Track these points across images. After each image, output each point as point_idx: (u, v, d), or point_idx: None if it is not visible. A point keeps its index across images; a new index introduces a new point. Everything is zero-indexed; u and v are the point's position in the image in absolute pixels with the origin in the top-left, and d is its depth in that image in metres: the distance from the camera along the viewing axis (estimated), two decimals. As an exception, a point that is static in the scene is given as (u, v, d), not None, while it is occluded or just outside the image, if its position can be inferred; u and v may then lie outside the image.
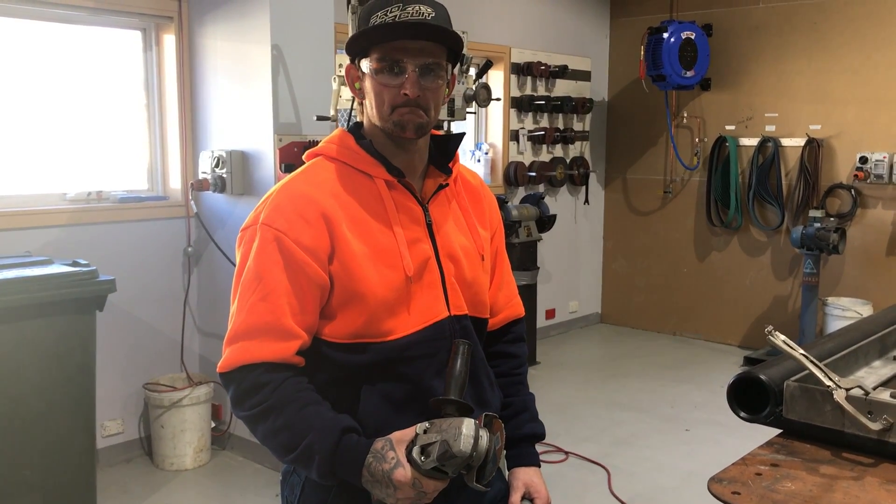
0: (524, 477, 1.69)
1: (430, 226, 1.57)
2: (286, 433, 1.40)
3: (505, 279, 1.76)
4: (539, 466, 1.74)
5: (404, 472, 1.30)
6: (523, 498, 1.68)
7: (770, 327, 1.69)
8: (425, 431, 1.28)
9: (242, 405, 1.44)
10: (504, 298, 1.76)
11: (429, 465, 1.24)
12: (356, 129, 1.61)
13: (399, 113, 1.48)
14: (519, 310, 1.80)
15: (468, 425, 1.22)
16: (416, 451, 1.27)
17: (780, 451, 1.59)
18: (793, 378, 1.64)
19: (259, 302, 1.43)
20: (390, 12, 1.45)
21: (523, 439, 1.72)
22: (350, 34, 3.57)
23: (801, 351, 1.64)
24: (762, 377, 1.66)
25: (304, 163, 1.62)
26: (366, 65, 1.50)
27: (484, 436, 1.22)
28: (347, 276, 1.45)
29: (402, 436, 1.35)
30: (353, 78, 1.56)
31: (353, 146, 1.56)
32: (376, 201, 1.52)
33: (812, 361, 1.61)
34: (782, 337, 1.65)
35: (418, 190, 1.58)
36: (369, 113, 1.54)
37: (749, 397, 1.69)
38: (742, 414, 1.68)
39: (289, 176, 1.57)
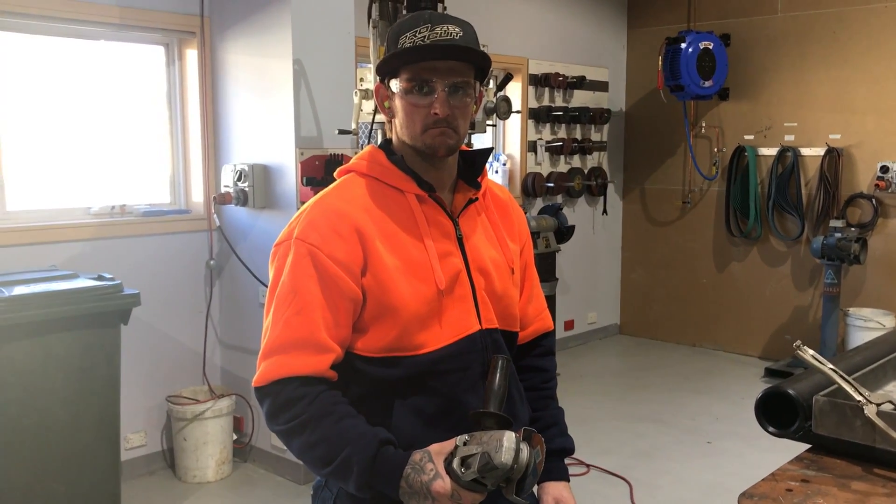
0: (554, 492, 1.70)
1: (460, 239, 1.58)
2: (323, 446, 1.41)
3: (534, 292, 1.77)
4: (568, 481, 1.74)
5: (443, 484, 1.31)
6: None
7: (798, 342, 1.69)
8: (465, 444, 1.28)
9: (278, 419, 1.45)
10: (533, 311, 1.77)
11: (469, 476, 1.24)
12: (386, 146, 1.62)
13: (430, 135, 1.51)
14: (548, 323, 1.81)
15: (509, 438, 1.23)
16: (456, 463, 1.27)
17: (811, 467, 1.59)
18: (822, 393, 1.63)
19: (294, 316, 1.45)
20: (419, 33, 1.47)
21: (552, 454, 1.71)
22: (371, 48, 3.61)
23: (830, 365, 1.63)
24: (791, 392, 1.65)
25: (334, 179, 1.64)
26: (395, 84, 1.52)
27: (524, 449, 1.23)
28: (380, 290, 1.47)
29: (440, 448, 1.35)
30: (382, 97, 1.57)
31: (384, 162, 1.57)
32: (407, 216, 1.54)
33: (841, 376, 1.61)
34: (811, 352, 1.65)
35: (448, 204, 1.60)
36: (399, 132, 1.56)
37: (777, 411, 1.68)
38: (770, 429, 1.68)
39: (321, 192, 1.59)
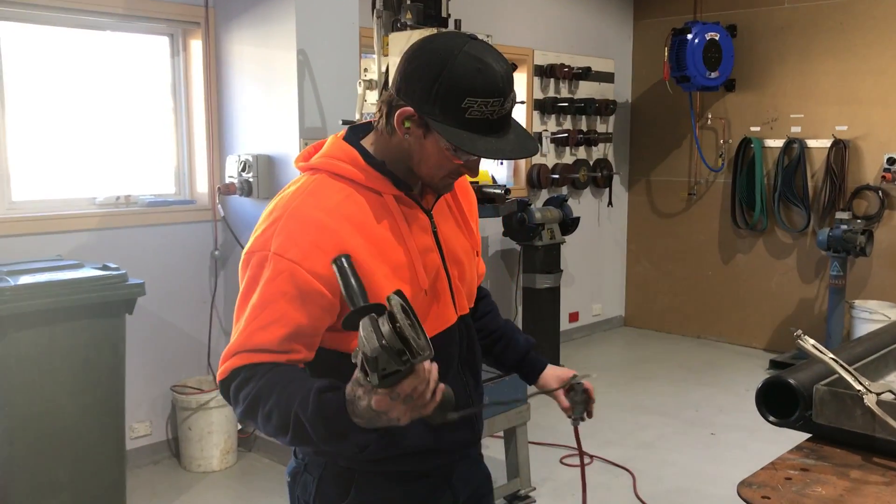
0: (549, 377, 1.85)
1: (435, 233, 1.60)
2: (276, 415, 1.39)
3: (479, 258, 1.82)
4: (548, 363, 1.89)
5: (378, 397, 1.27)
6: (567, 389, 1.80)
7: (799, 331, 1.69)
8: (356, 353, 1.27)
9: (238, 400, 1.44)
10: (482, 269, 1.84)
11: (374, 380, 1.24)
12: (355, 140, 1.57)
13: (445, 184, 1.56)
14: (482, 269, 1.87)
15: (363, 325, 1.22)
16: (360, 378, 1.27)
17: (810, 456, 1.59)
18: (822, 382, 1.64)
19: (259, 330, 1.44)
20: (489, 105, 1.42)
21: (527, 353, 1.88)
22: (375, 38, 3.60)
23: (831, 355, 1.63)
24: (791, 381, 1.66)
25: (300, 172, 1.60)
26: (437, 133, 1.45)
27: (384, 323, 1.21)
28: (371, 297, 1.45)
29: (356, 373, 1.31)
30: (405, 116, 1.47)
31: (360, 164, 1.53)
32: (388, 217, 1.52)
33: (842, 366, 1.61)
34: (811, 341, 1.65)
35: (422, 199, 1.60)
36: (414, 162, 1.52)
37: (778, 401, 1.69)
38: (771, 418, 1.68)
39: (293, 195, 1.52)
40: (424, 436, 1.54)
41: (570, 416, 1.79)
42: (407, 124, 1.47)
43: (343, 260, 1.34)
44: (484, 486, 1.80)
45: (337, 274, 1.33)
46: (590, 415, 1.80)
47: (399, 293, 1.25)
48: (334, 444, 1.38)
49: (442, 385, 1.32)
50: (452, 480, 1.67)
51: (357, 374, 1.28)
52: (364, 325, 1.22)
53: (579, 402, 1.78)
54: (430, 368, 1.30)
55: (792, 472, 1.51)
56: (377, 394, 1.26)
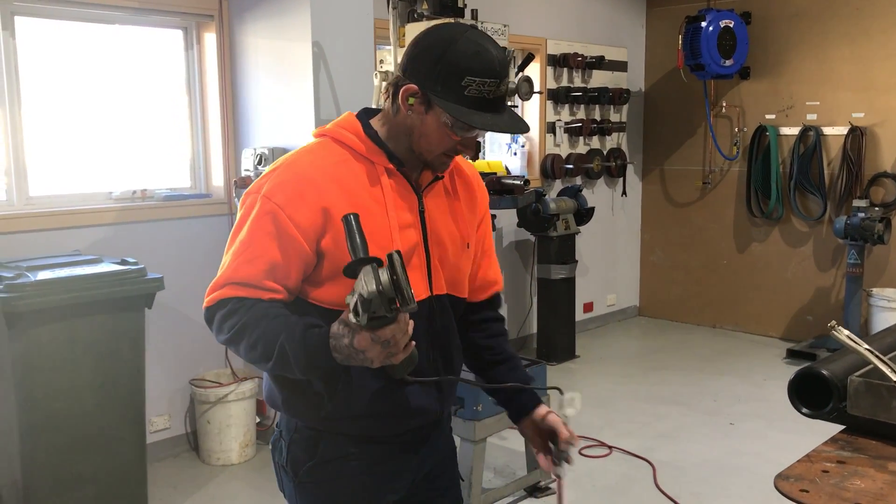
0: (539, 416, 1.87)
1: (422, 213, 1.69)
2: (262, 344, 1.54)
3: (493, 259, 1.94)
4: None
5: (360, 336, 1.42)
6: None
7: (833, 322, 1.67)
8: (351, 296, 1.41)
9: (222, 329, 1.59)
10: (493, 275, 1.93)
11: (363, 320, 1.38)
12: (365, 117, 1.71)
13: (441, 161, 1.67)
14: (500, 282, 1.96)
15: (365, 272, 1.37)
16: (351, 316, 1.41)
17: (846, 448, 1.57)
18: (857, 373, 1.62)
19: (245, 263, 1.59)
20: (486, 84, 1.55)
21: (526, 387, 1.90)
22: (391, 30, 3.58)
23: (867, 346, 1.61)
24: (825, 373, 1.64)
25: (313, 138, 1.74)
26: (440, 109, 1.57)
27: (383, 273, 1.36)
28: (340, 253, 1.56)
29: (347, 314, 1.45)
30: (408, 94, 1.59)
31: (360, 135, 1.67)
32: (376, 187, 1.64)
33: (878, 357, 1.59)
34: (846, 332, 1.63)
35: (415, 179, 1.70)
36: (414, 138, 1.63)
37: (807, 392, 1.67)
38: (804, 410, 1.67)
39: (297, 150, 1.70)
40: (383, 399, 1.66)
41: (554, 466, 1.83)
42: (411, 101, 1.60)
43: (351, 217, 1.45)
44: (448, 458, 1.92)
45: (344, 228, 1.45)
46: (568, 461, 1.84)
47: (399, 252, 1.38)
48: (310, 373, 1.54)
49: (413, 342, 1.47)
50: (421, 448, 1.79)
51: (348, 314, 1.42)
52: (366, 270, 1.37)
53: (562, 450, 1.82)
54: (409, 322, 1.44)
55: (829, 465, 1.50)
56: (360, 333, 1.41)
